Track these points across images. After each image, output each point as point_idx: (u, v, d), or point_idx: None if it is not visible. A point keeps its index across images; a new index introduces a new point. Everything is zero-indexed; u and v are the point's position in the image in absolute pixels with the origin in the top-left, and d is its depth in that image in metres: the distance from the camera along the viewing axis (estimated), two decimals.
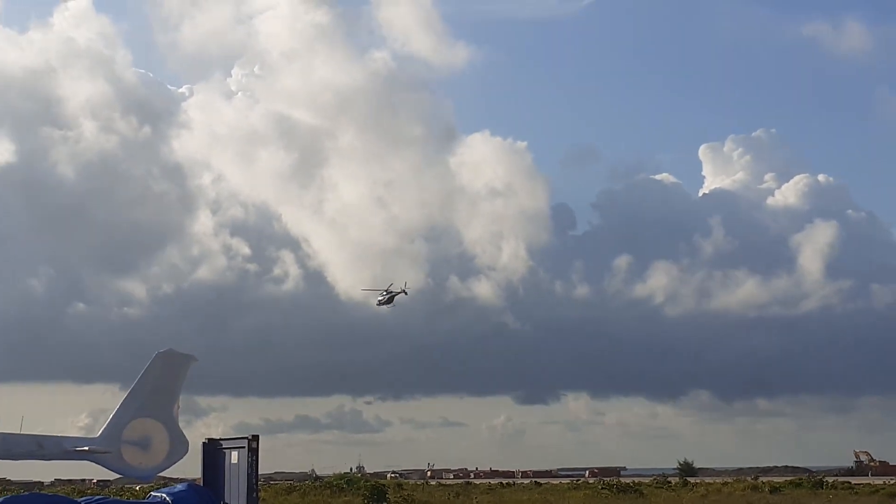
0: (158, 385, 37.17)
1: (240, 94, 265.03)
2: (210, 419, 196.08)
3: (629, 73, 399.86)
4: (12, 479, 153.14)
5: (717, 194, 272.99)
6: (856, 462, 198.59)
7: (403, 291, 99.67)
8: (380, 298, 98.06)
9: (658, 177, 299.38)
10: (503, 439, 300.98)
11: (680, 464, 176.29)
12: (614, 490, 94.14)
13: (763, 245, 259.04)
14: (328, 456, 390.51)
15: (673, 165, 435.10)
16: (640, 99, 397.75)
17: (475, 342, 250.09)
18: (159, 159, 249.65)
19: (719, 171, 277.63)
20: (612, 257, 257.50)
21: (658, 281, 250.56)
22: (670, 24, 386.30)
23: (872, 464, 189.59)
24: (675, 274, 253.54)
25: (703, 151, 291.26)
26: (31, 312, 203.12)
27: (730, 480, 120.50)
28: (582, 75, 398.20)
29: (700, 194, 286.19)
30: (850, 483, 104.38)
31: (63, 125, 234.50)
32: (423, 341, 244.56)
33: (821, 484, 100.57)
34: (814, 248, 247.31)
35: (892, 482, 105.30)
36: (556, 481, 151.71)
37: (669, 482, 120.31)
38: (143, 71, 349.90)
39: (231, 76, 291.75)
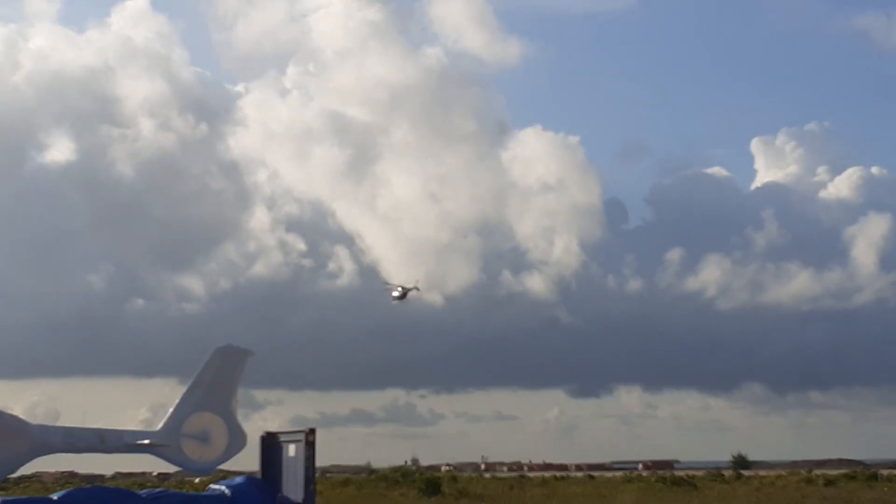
0: (217, 379, 37.87)
1: (294, 91, 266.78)
2: (267, 413, 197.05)
3: (681, 67, 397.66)
4: (79, 471, 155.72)
5: (769, 188, 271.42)
6: None
7: (416, 288, 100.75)
8: (395, 294, 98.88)
9: (710, 171, 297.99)
10: (556, 432, 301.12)
11: (733, 457, 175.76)
12: (668, 483, 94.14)
13: (816, 238, 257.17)
14: (383, 449, 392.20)
15: (725, 159, 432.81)
16: (692, 92, 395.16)
17: (528, 336, 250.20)
18: (216, 157, 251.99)
19: (772, 165, 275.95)
20: (664, 251, 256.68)
21: (710, 274, 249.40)
22: (722, 17, 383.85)
23: None
24: (728, 267, 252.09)
25: (755, 145, 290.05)
26: (92, 308, 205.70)
27: (784, 473, 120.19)
28: (634, 69, 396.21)
29: (752, 188, 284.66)
30: None
31: (121, 124, 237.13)
32: (476, 335, 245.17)
33: (875, 477, 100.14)
34: (867, 240, 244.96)
35: None
36: (609, 474, 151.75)
37: (723, 475, 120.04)
38: (199, 69, 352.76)
39: (286, 74, 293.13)
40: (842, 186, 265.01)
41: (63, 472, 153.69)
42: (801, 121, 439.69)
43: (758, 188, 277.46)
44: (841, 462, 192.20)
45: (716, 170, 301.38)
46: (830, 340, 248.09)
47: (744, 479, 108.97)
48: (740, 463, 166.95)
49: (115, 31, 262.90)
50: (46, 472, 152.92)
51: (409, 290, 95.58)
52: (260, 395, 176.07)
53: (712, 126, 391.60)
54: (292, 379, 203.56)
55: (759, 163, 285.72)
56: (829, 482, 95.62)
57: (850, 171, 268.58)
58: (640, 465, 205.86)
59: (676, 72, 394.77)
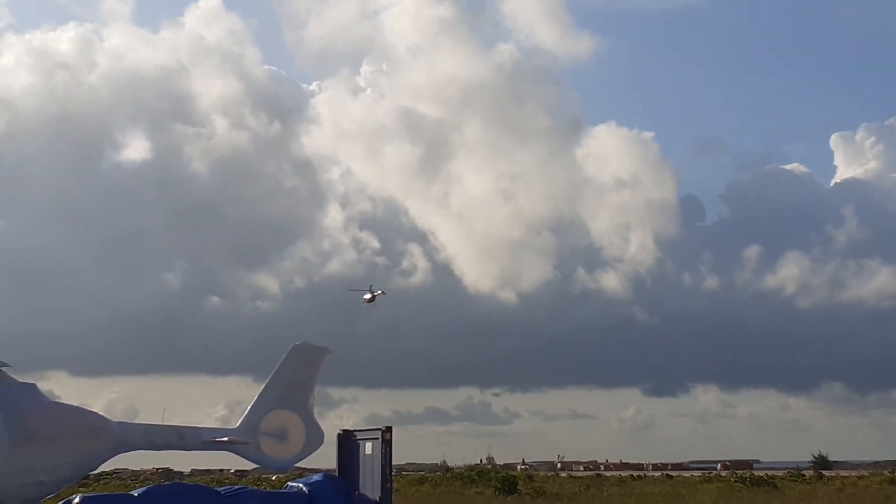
0: (294, 377, 37.85)
1: (367, 89, 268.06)
2: (342, 410, 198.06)
3: (758, 62, 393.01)
4: (175, 468, 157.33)
5: (848, 184, 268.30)
6: None
7: (382, 292, 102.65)
8: (366, 297, 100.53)
9: (788, 167, 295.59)
10: (632, 432, 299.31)
11: (814, 457, 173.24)
12: (747, 483, 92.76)
13: None
14: (458, 447, 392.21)
15: (803, 155, 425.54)
16: (769, 88, 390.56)
17: (602, 334, 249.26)
18: (289, 155, 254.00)
19: (851, 161, 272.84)
20: (742, 248, 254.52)
21: (789, 272, 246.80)
22: (800, 10, 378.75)
23: None
24: (807, 265, 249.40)
25: (834, 141, 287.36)
26: (168, 306, 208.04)
27: (866, 474, 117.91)
28: (709, 64, 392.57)
29: (832, 184, 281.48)
30: None
31: (195, 122, 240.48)
32: (550, 333, 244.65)
33: None
34: None
35: None
36: (687, 474, 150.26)
37: (804, 475, 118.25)
38: (272, 68, 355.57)
39: (358, 72, 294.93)
40: None
41: (158, 469, 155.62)
42: (881, 116, 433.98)
43: (837, 184, 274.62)
44: None
45: (794, 166, 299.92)
46: None
47: (825, 479, 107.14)
48: (821, 463, 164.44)
49: (189, 31, 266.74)
50: (143, 469, 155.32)
51: (377, 294, 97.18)
52: (335, 393, 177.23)
53: (790, 122, 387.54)
54: (367, 377, 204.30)
55: (839, 159, 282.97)
56: None
57: None
58: (719, 465, 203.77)
59: (753, 66, 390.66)
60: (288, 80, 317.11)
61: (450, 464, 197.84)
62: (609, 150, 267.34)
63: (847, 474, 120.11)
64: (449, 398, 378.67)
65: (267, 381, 38.23)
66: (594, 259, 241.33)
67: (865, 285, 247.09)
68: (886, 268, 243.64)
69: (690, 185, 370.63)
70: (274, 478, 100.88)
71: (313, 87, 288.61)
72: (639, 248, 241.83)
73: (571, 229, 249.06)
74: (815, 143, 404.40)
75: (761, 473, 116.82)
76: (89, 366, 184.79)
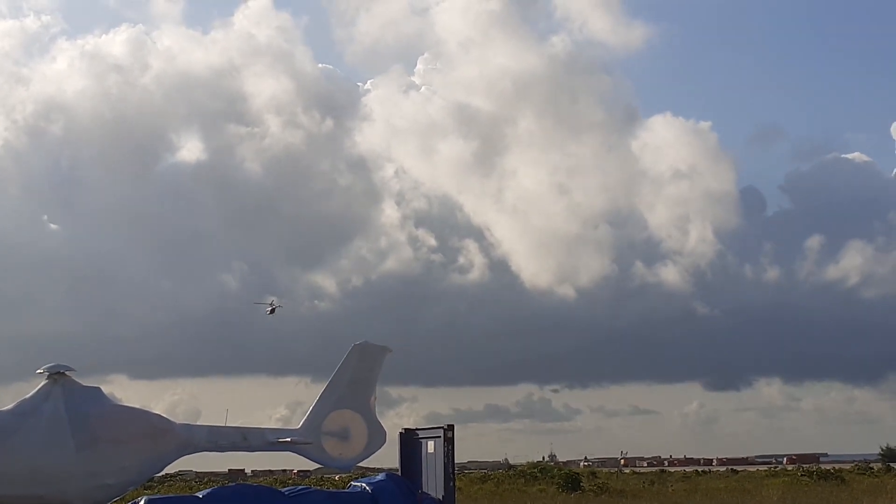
0: (356, 376, 37.78)
1: (420, 85, 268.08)
2: (402, 409, 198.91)
3: (817, 48, 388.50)
4: (236, 468, 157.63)
5: None
6: None
7: (280, 305, 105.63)
8: (267, 310, 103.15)
9: (849, 156, 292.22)
10: (695, 427, 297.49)
11: (882, 449, 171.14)
12: (814, 477, 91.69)
13: None
14: (519, 445, 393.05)
15: (865, 144, 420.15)
16: (828, 75, 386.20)
17: (662, 328, 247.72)
18: (343, 153, 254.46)
19: None
20: (803, 239, 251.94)
21: (852, 261, 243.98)
22: None
23: None
24: (870, 254, 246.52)
25: (895, 129, 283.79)
26: (227, 308, 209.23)
27: None
28: (766, 50, 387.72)
29: (894, 172, 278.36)
30: None
31: (249, 122, 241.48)
32: (609, 328, 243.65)
33: None
34: None
35: None
36: (752, 468, 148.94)
37: (872, 468, 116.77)
38: (325, 66, 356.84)
39: (410, 68, 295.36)
40: None
41: (231, 470, 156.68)
42: None
43: None
44: None
45: (855, 155, 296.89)
46: None
47: (893, 472, 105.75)
48: (889, 455, 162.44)
49: (239, 30, 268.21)
50: (219, 471, 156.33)
51: (276, 307, 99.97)
52: (394, 391, 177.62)
53: (851, 110, 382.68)
54: (426, 375, 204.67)
55: None
56: None
57: None
58: (785, 459, 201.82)
59: (811, 52, 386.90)
60: (340, 77, 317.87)
61: (512, 461, 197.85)
62: (666, 141, 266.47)
63: None
64: (508, 395, 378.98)
65: (328, 381, 38.20)
66: (653, 252, 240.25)
67: None
68: None
69: (750, 176, 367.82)
70: (337, 478, 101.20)
71: (364, 83, 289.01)
72: (698, 240, 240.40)
73: (629, 222, 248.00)
74: (877, 131, 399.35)
75: (828, 467, 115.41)
76: (150, 369, 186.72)
